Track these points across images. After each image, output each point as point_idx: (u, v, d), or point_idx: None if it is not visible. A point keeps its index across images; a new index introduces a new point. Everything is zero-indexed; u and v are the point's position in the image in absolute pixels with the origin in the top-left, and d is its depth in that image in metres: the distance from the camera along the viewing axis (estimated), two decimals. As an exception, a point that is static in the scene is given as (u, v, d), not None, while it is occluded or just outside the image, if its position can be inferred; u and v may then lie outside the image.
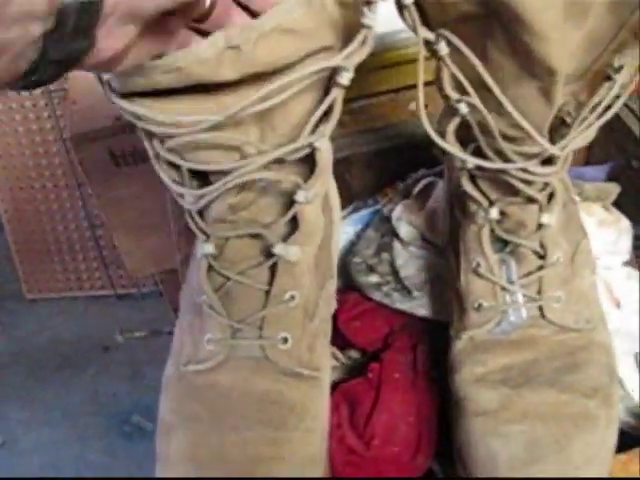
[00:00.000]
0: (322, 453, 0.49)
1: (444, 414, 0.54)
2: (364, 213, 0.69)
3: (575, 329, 0.50)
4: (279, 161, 0.44)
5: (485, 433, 0.47)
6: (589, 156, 0.79)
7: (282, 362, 0.48)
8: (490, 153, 0.46)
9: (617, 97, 0.44)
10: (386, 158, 0.73)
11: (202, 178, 0.45)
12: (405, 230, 0.63)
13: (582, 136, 0.45)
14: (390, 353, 0.57)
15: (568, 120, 0.46)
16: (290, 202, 0.46)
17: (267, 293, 0.47)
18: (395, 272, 0.61)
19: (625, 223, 0.68)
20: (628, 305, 0.64)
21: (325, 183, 0.47)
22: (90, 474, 1.23)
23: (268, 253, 0.47)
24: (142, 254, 0.87)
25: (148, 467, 1.27)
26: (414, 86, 0.44)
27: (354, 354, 0.60)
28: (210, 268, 0.48)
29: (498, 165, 0.45)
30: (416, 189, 0.65)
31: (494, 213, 0.49)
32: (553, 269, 0.50)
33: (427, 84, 0.44)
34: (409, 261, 0.62)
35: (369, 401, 0.54)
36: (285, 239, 0.47)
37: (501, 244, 0.51)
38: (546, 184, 0.48)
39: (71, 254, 1.41)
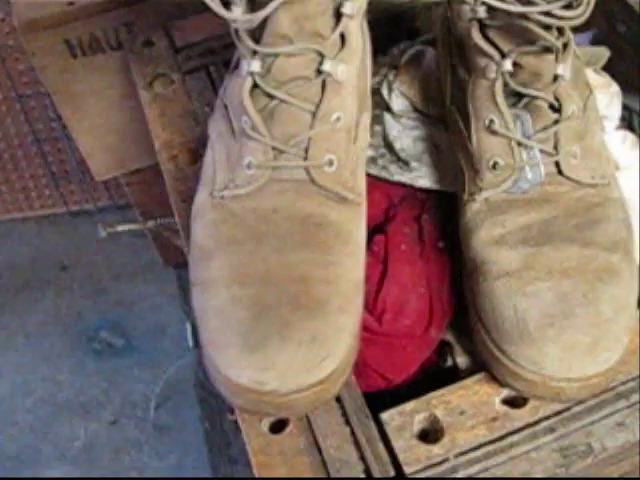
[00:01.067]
0: (362, 281, 0.48)
1: (454, 285, 0.53)
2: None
3: (592, 184, 0.49)
4: None
5: (510, 294, 0.45)
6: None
7: (328, 185, 0.47)
8: None
9: None
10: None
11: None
12: (397, 102, 0.60)
13: None
14: (394, 225, 0.54)
15: None
16: (337, 17, 0.45)
17: (313, 114, 0.46)
18: (389, 145, 0.59)
19: (615, 88, 0.66)
20: (625, 169, 0.63)
21: None
22: (61, 394, 1.20)
23: (317, 71, 0.46)
24: (105, 155, 0.82)
25: (121, 382, 1.25)
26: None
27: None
28: (254, 87, 0.46)
29: (520, 9, 0.42)
30: (403, 59, 0.62)
31: (508, 65, 0.46)
32: (569, 123, 0.48)
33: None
34: (403, 133, 0.59)
35: (377, 275, 0.52)
36: (334, 57, 0.46)
37: (514, 99, 0.48)
38: (561, 31, 0.45)
39: (17, 172, 1.34)
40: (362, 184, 0.50)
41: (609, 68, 0.70)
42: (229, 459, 1.08)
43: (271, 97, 0.46)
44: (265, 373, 0.41)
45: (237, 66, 0.49)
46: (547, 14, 0.43)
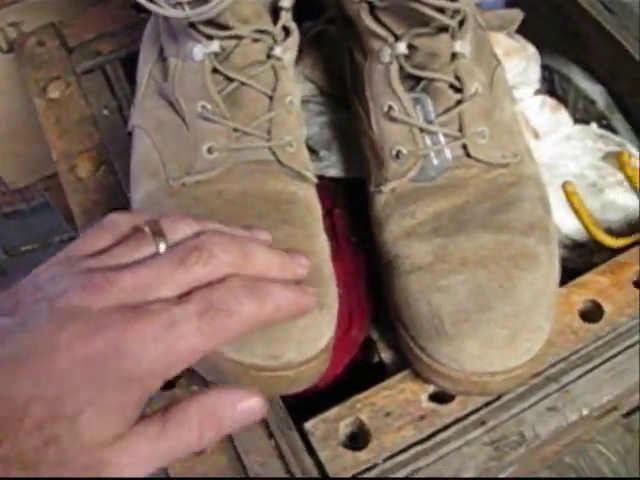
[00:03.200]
0: None
1: (373, 280, 0.51)
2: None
3: (503, 164, 0.46)
4: None
5: (424, 289, 0.43)
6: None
7: (292, 164, 0.47)
8: None
9: None
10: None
11: None
12: (302, 86, 0.57)
13: None
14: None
15: None
16: (276, 10, 0.47)
17: (271, 97, 0.47)
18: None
19: (532, 50, 0.64)
20: (546, 135, 0.61)
21: None
22: None
23: (267, 56, 0.47)
24: (16, 163, 0.78)
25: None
26: None
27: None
28: (213, 71, 0.46)
29: None
30: (305, 41, 0.58)
31: (402, 47, 0.44)
32: (473, 102, 0.45)
33: None
34: (310, 120, 0.56)
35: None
36: (280, 43, 0.47)
37: (412, 82, 0.45)
38: (457, 10, 0.43)
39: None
40: (310, 165, 0.50)
41: (526, 29, 0.67)
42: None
43: (230, 80, 0.46)
44: (281, 345, 0.40)
45: (163, 56, 0.49)
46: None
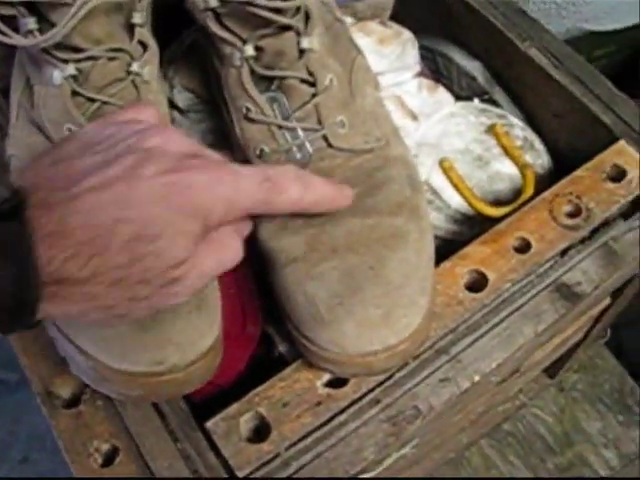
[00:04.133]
0: None
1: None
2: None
3: (367, 150, 0.48)
4: None
5: (299, 280, 0.44)
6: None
7: None
8: None
9: None
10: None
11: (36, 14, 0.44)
12: (181, 97, 0.58)
13: None
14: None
15: None
16: (130, 27, 0.48)
17: None
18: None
19: (407, 35, 0.66)
20: (425, 117, 0.63)
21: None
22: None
23: (127, 72, 0.48)
24: None
25: (25, 419, 1.21)
26: None
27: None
28: (73, 94, 0.47)
29: None
30: (181, 50, 0.60)
31: (249, 50, 0.45)
32: (328, 94, 0.47)
33: None
34: (192, 128, 0.57)
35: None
36: (138, 59, 0.48)
37: (267, 82, 0.47)
38: (298, 8, 0.44)
39: None
40: None
41: (402, 14, 0.69)
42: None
43: (92, 101, 0.47)
44: (163, 350, 0.41)
45: (29, 84, 0.50)
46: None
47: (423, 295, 0.45)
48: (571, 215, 0.53)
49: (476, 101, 0.66)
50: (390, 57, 0.63)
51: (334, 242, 0.45)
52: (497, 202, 0.60)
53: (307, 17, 0.45)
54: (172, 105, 0.58)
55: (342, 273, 0.44)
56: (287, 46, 0.45)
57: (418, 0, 0.70)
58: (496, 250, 0.52)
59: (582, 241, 0.53)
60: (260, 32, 0.44)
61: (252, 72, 0.46)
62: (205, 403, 0.50)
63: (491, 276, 0.51)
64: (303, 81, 0.46)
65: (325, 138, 0.47)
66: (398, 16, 0.69)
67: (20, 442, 1.17)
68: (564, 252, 0.53)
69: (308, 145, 0.46)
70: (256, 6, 0.42)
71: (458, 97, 0.67)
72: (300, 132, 0.46)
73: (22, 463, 1.15)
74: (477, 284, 0.51)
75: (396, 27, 0.65)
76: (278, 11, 0.43)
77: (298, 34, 0.45)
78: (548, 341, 0.56)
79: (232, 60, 0.46)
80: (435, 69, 0.71)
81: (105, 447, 0.47)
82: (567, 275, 0.53)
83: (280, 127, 0.46)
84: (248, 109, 0.46)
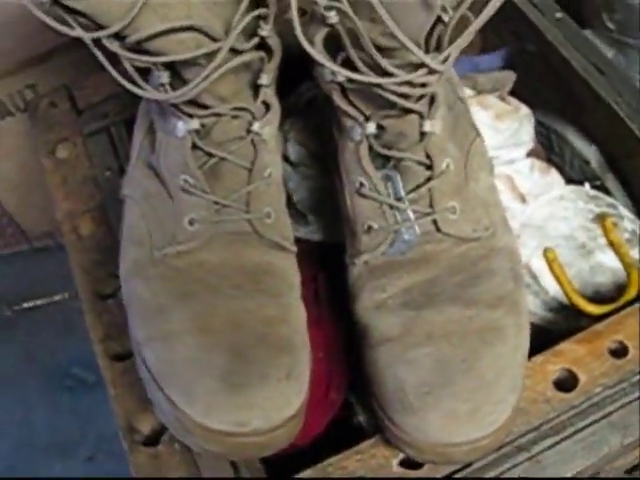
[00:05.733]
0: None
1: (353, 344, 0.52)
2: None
3: (474, 238, 0.48)
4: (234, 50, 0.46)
5: (390, 361, 0.44)
6: (484, 43, 0.75)
7: (269, 235, 0.49)
8: (360, 64, 0.42)
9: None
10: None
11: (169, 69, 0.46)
12: (294, 150, 0.59)
13: (463, 38, 0.41)
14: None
15: (445, 18, 0.42)
16: (256, 87, 0.49)
17: (250, 170, 0.49)
18: (288, 197, 0.58)
19: (525, 111, 0.65)
20: (534, 198, 0.62)
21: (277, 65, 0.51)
22: (38, 435, 1.20)
23: (247, 131, 0.49)
24: (32, 212, 0.81)
25: (96, 418, 1.24)
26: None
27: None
28: (194, 147, 0.48)
29: (371, 79, 0.41)
30: (299, 105, 0.61)
31: (371, 128, 0.45)
32: (443, 179, 0.47)
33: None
34: (301, 184, 0.58)
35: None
36: (260, 119, 0.49)
37: (383, 160, 0.47)
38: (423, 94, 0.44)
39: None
40: (291, 234, 0.52)
41: (522, 89, 0.69)
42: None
43: (210, 155, 0.48)
44: (248, 412, 0.42)
45: (152, 128, 0.51)
46: (400, 84, 0.42)
47: (513, 393, 0.44)
48: (675, 326, 0.51)
49: (587, 186, 0.65)
50: (505, 133, 0.63)
51: (430, 328, 0.45)
52: (597, 295, 0.59)
53: (432, 100, 0.46)
54: (284, 158, 0.59)
55: (435, 361, 0.43)
56: (409, 128, 0.45)
57: (541, 76, 0.69)
58: (591, 351, 0.51)
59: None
60: (384, 112, 0.45)
61: (370, 149, 0.46)
62: (278, 458, 0.50)
63: (582, 377, 0.50)
64: (420, 163, 0.46)
65: (435, 222, 0.47)
66: (518, 87, 0.68)
67: (88, 441, 1.19)
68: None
69: (417, 227, 0.46)
70: (385, 90, 0.42)
71: (568, 179, 0.66)
72: (410, 213, 0.46)
73: (87, 462, 1.17)
74: (567, 384, 0.50)
75: (515, 102, 0.65)
76: (405, 97, 0.43)
77: (421, 117, 0.45)
78: (633, 450, 0.54)
79: (352, 134, 0.47)
80: (548, 146, 0.70)
81: (177, 491, 0.48)
82: (662, 388, 0.51)
83: (391, 207, 0.46)
84: (362, 184, 0.47)
